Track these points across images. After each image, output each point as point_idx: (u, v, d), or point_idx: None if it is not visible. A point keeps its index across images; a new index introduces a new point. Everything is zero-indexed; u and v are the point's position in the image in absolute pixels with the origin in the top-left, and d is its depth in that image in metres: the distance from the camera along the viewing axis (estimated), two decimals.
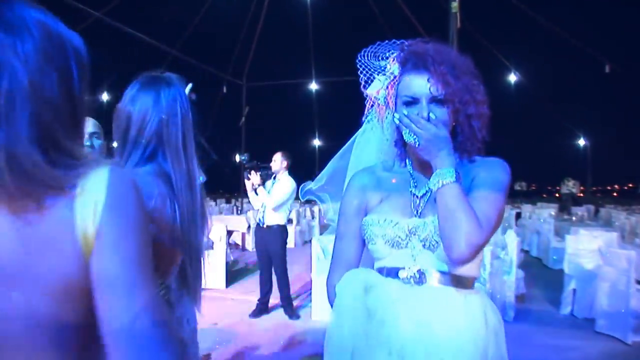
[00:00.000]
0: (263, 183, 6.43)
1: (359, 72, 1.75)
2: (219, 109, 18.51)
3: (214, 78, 17.54)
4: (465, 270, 1.53)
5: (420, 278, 1.54)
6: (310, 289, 6.89)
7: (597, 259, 6.53)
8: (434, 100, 1.53)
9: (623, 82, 15.96)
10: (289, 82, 20.47)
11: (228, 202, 20.03)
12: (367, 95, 1.76)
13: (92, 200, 0.91)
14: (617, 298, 5.79)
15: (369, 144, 1.88)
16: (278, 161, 6.48)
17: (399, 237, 1.57)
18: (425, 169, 1.62)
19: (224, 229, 8.59)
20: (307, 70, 19.74)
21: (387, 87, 1.68)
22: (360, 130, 1.88)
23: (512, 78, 16.36)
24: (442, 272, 1.54)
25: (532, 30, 17.22)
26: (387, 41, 1.74)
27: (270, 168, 6.48)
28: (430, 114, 1.52)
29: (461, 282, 1.55)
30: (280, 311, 6.62)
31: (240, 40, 16.64)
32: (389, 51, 1.72)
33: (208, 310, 6.82)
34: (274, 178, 6.51)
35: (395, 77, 1.66)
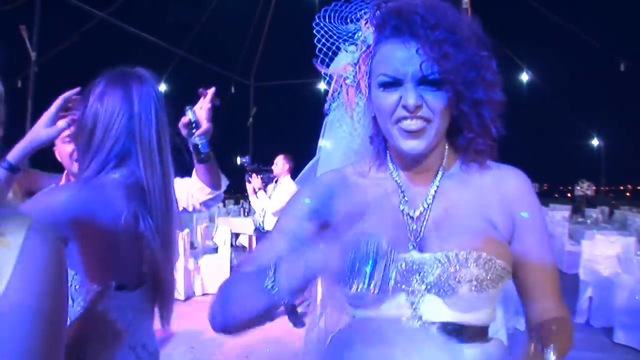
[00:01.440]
0: (265, 186, 6.28)
1: (315, 41, 1.27)
2: (227, 110, 18.40)
3: (221, 78, 17.43)
4: (481, 316, 1.14)
5: None
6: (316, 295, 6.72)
7: (614, 266, 6.30)
8: (424, 80, 1.08)
9: (638, 80, 15.64)
10: (297, 81, 20.28)
11: (237, 202, 19.93)
12: (327, 75, 1.29)
13: None
14: (636, 307, 5.54)
15: (336, 141, 1.37)
16: (280, 164, 6.33)
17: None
18: (418, 175, 1.20)
19: (228, 232, 8.44)
20: (316, 69, 19.57)
21: (358, 62, 1.21)
22: (326, 121, 1.39)
23: (525, 77, 16.08)
24: (451, 324, 1.11)
25: (544, 27, 16.96)
26: None
27: (272, 171, 6.33)
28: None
29: (474, 333, 1.15)
30: (285, 318, 6.46)
31: (248, 39, 16.49)
32: (360, 10, 1.24)
33: None
34: (276, 182, 6.36)
35: (369, 47, 1.18)
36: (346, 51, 1.25)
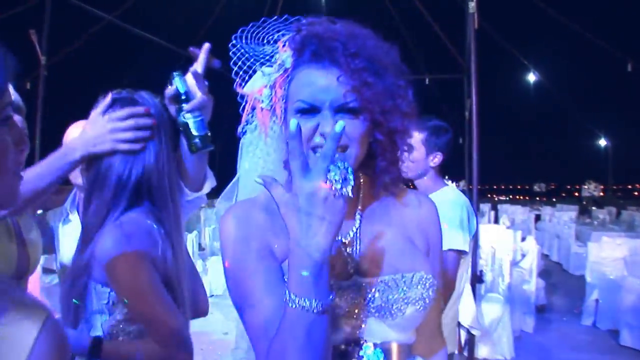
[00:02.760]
0: None
1: (231, 63, 1.20)
2: (234, 111, 18.45)
3: (229, 80, 17.49)
4: (413, 335, 1.16)
5: None
6: None
7: (621, 268, 6.31)
8: (342, 109, 1.05)
9: None
10: None
11: None
12: (244, 96, 1.21)
13: None
14: None
15: (251, 165, 1.27)
16: None
17: (336, 305, 1.05)
18: None
19: None
20: None
21: (274, 85, 1.15)
22: (242, 143, 1.29)
23: (532, 78, 16.05)
24: (388, 343, 1.11)
25: (551, 28, 16.91)
26: (276, 17, 1.19)
27: None
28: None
29: (407, 351, 1.15)
30: None
31: None
32: (278, 32, 1.19)
33: (219, 318, 6.74)
34: None
35: (286, 70, 1.13)
36: (264, 74, 1.18)
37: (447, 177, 7.95)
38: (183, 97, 1.56)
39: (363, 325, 1.08)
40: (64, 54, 9.24)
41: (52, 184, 1.58)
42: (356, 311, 1.07)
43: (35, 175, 1.54)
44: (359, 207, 1.19)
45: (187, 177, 1.71)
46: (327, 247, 0.91)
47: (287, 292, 0.93)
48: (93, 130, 1.53)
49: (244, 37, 1.19)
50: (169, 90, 1.58)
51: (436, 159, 2.84)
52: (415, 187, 2.97)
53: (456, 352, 3.41)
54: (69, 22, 9.37)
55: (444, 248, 2.68)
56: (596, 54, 16.50)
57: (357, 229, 1.16)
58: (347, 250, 1.13)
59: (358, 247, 1.14)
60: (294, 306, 0.91)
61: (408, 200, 1.25)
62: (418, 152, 2.79)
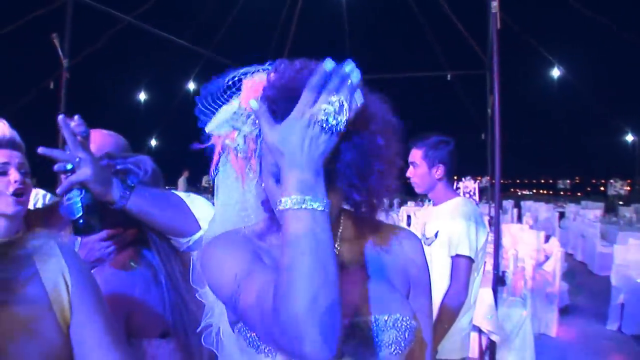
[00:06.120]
0: None
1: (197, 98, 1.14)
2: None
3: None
4: None
5: None
6: None
7: None
8: None
9: None
10: None
11: None
12: (207, 137, 1.16)
13: (57, 270, 1.00)
14: None
15: (228, 207, 1.22)
16: None
17: None
18: None
19: None
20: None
21: (247, 138, 1.12)
22: (216, 182, 1.22)
23: (556, 73, 15.79)
24: None
25: (575, 22, 16.63)
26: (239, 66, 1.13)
27: None
28: None
29: None
30: None
31: (275, 39, 16.58)
32: (245, 74, 1.14)
33: None
34: None
35: (256, 124, 1.08)
36: (231, 123, 1.12)
37: (468, 177, 7.83)
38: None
39: None
40: (86, 55, 9.33)
41: None
42: None
43: None
44: (337, 246, 1.15)
45: (165, 230, 1.63)
46: (323, 155, 0.93)
47: (284, 199, 0.91)
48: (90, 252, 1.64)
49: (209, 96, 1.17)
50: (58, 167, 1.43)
51: (439, 170, 2.92)
52: (429, 200, 3.04)
53: (469, 355, 3.37)
54: (89, 24, 9.47)
55: (453, 254, 2.74)
56: (622, 48, 16.19)
57: None
58: None
59: None
60: (297, 207, 0.90)
61: (388, 237, 1.22)
62: (420, 167, 2.92)
